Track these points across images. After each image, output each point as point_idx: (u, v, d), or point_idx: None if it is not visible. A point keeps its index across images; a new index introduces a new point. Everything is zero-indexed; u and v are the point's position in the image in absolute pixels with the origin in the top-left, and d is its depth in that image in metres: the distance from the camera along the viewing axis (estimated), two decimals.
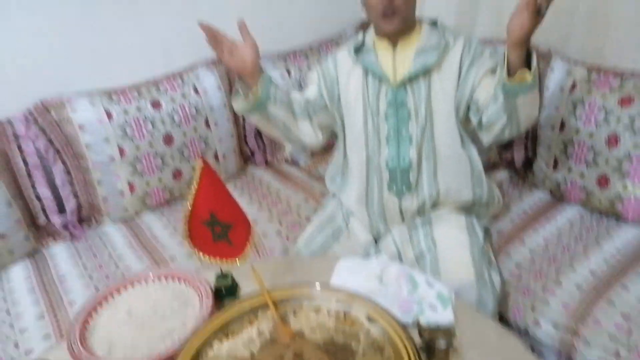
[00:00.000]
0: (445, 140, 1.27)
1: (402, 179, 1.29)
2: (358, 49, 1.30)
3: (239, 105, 1.27)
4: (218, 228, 1.00)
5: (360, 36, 1.33)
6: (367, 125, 1.30)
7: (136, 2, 1.67)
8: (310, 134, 1.37)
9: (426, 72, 1.23)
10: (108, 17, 1.63)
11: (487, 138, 1.26)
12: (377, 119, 1.28)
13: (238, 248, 1.03)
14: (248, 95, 1.23)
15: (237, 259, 1.02)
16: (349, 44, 1.34)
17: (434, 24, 1.28)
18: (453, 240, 1.25)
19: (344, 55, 1.34)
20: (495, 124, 1.19)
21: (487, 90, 1.18)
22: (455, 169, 1.29)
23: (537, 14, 1.01)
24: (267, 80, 1.23)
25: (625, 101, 1.39)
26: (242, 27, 1.19)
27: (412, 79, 1.23)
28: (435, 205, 1.32)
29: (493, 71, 1.18)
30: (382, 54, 1.27)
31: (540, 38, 1.67)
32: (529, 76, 1.06)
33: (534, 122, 1.20)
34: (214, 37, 1.17)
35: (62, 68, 1.59)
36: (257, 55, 1.20)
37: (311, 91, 1.37)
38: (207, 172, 0.97)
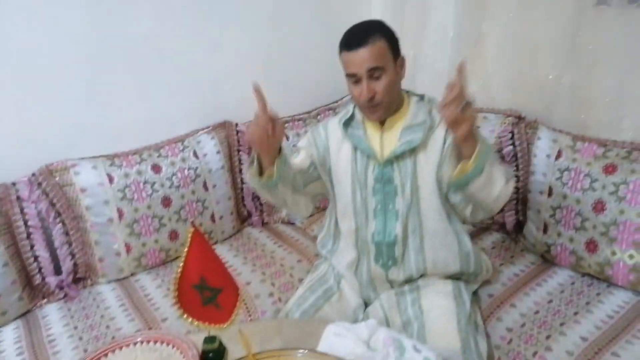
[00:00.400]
0: (432, 216, 1.29)
1: (388, 253, 1.31)
2: (347, 122, 1.34)
3: (250, 177, 1.27)
4: (207, 292, 1.02)
5: (350, 108, 1.36)
6: (355, 197, 1.33)
7: (141, 77, 1.77)
8: (304, 206, 1.40)
9: (412, 150, 1.26)
10: (114, 91, 1.73)
11: (466, 219, 1.31)
12: (365, 193, 1.31)
13: (226, 313, 1.04)
14: (261, 171, 1.23)
15: (225, 323, 1.04)
16: (340, 114, 1.38)
17: (421, 98, 1.32)
18: (440, 308, 1.25)
19: (334, 125, 1.37)
20: (464, 209, 1.26)
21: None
22: (441, 243, 1.31)
23: (463, 110, 1.04)
24: (283, 162, 1.22)
25: (609, 169, 1.43)
26: (257, 90, 1.17)
27: (398, 156, 1.27)
28: (422, 276, 1.34)
29: None
30: (371, 131, 1.31)
31: (527, 109, 1.77)
32: (470, 165, 1.10)
33: (505, 199, 1.19)
34: (262, 102, 1.17)
35: (68, 136, 1.66)
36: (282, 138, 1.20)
37: (304, 161, 1.37)
38: (197, 238, 0.99)
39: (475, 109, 1.08)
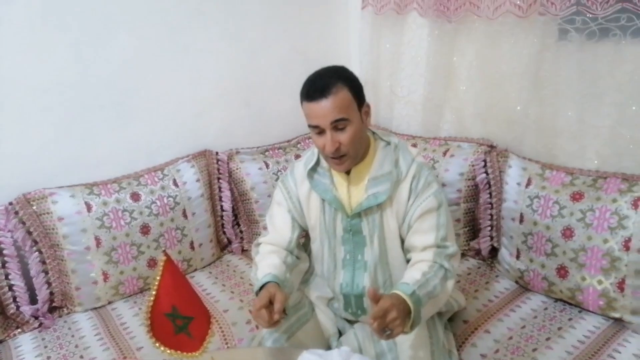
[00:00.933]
0: (399, 266, 1.28)
1: (356, 304, 1.31)
2: (314, 167, 1.30)
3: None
4: (179, 321, 1.03)
5: (315, 152, 1.31)
6: (323, 246, 1.32)
7: (121, 107, 1.80)
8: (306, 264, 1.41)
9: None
10: (94, 120, 1.75)
11: None
12: (334, 242, 1.30)
13: (198, 341, 1.05)
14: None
15: (196, 352, 1.04)
16: (305, 157, 1.35)
17: (387, 144, 1.27)
18: (413, 340, 1.25)
19: (300, 172, 1.33)
20: None
21: (415, 239, 1.22)
22: None
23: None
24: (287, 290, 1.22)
25: (577, 196, 1.48)
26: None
27: (365, 209, 1.24)
28: None
29: (430, 211, 1.21)
30: (337, 179, 1.28)
31: (498, 139, 1.83)
32: (408, 330, 1.08)
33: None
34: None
35: (47, 165, 1.68)
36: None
37: (286, 220, 1.35)
38: (169, 266, 1.01)
39: (395, 331, 1.03)
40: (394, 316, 1.01)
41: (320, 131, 1.17)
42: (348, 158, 1.20)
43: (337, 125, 1.15)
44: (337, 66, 1.22)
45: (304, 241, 1.46)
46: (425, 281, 1.13)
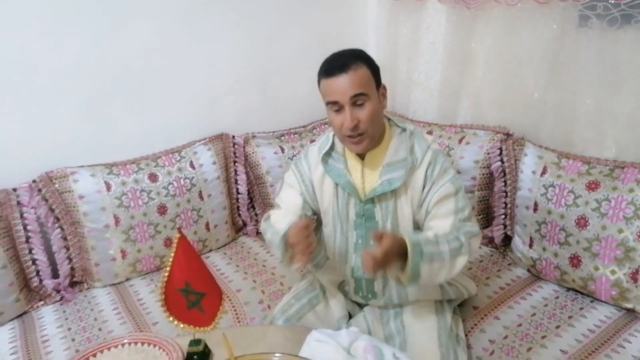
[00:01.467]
0: None
1: (367, 288, 1.33)
2: (328, 152, 1.29)
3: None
4: (192, 296, 1.06)
5: (330, 136, 1.31)
6: (336, 230, 1.32)
7: (140, 91, 1.84)
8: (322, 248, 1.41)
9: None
10: (114, 103, 1.79)
11: None
12: (346, 227, 1.30)
13: (209, 316, 1.08)
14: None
15: (208, 327, 1.08)
16: (319, 142, 1.34)
17: (403, 130, 1.27)
18: (421, 324, 1.27)
19: (315, 156, 1.32)
20: None
21: (433, 223, 1.21)
22: None
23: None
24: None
25: (592, 186, 1.47)
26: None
27: (379, 195, 1.24)
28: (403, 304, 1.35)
29: (448, 197, 1.21)
30: (352, 163, 1.28)
31: (515, 126, 1.81)
32: (402, 278, 1.11)
33: (458, 272, 1.17)
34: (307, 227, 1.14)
35: (68, 145, 1.73)
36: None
37: (296, 201, 1.34)
38: (183, 243, 1.04)
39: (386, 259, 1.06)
40: (388, 244, 1.04)
41: (339, 108, 1.17)
42: (366, 137, 1.19)
43: (357, 100, 1.15)
44: (355, 48, 1.22)
45: (315, 226, 1.46)
46: (435, 241, 1.13)
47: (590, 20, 1.49)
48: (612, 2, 1.43)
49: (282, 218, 1.29)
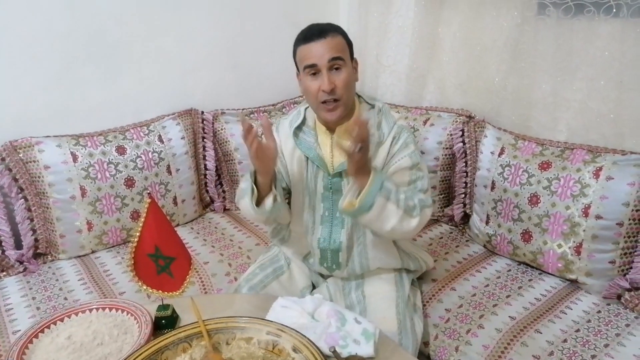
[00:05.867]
0: None
1: (332, 259, 1.38)
2: (299, 126, 1.33)
3: (246, 206, 1.26)
4: (161, 261, 1.09)
5: (302, 110, 1.35)
6: (304, 202, 1.36)
7: (110, 61, 1.82)
8: (287, 215, 1.41)
9: None
10: (83, 72, 1.77)
11: None
12: (314, 199, 1.35)
13: (178, 281, 1.11)
14: (259, 202, 1.24)
15: (177, 291, 1.10)
16: (290, 116, 1.37)
17: (372, 107, 1.31)
18: (381, 294, 1.34)
19: (285, 129, 1.35)
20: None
21: None
22: (383, 249, 1.36)
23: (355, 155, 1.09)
24: (279, 193, 1.24)
25: (544, 166, 1.56)
26: (267, 127, 1.17)
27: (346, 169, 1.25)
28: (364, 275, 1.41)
29: (403, 170, 1.26)
30: (322, 139, 1.31)
31: (477, 109, 1.89)
32: (356, 202, 1.14)
33: (405, 233, 1.23)
34: (248, 131, 1.14)
35: (35, 114, 1.70)
36: (277, 159, 1.20)
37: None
38: (153, 209, 1.06)
39: (365, 154, 1.11)
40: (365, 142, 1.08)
41: (316, 72, 1.21)
42: (341, 104, 1.22)
43: (334, 64, 1.19)
44: (331, 22, 1.28)
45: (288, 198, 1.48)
46: (396, 187, 1.18)
47: (548, 8, 1.57)
48: None
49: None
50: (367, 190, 1.14)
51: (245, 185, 1.26)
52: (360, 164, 1.13)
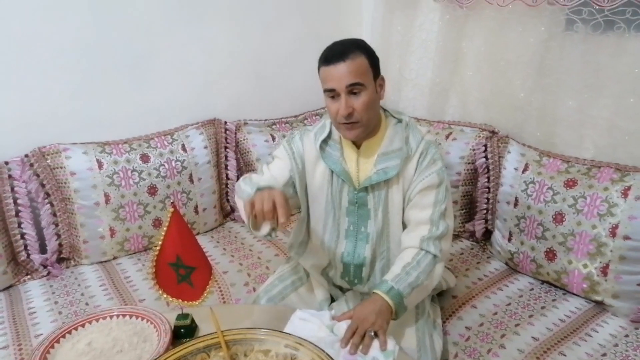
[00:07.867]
0: (398, 240, 1.31)
1: (355, 273, 1.37)
2: (325, 140, 1.30)
3: (240, 209, 1.24)
4: (182, 270, 1.10)
5: (327, 124, 1.32)
6: (328, 217, 1.34)
7: (136, 71, 1.86)
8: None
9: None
10: (109, 82, 1.81)
11: None
12: (338, 213, 1.33)
13: (198, 291, 1.12)
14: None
15: (197, 301, 1.11)
16: (315, 128, 1.34)
17: (399, 121, 1.29)
18: None
19: (310, 141, 1.33)
20: None
21: (411, 213, 1.27)
22: None
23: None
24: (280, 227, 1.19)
25: (570, 183, 1.53)
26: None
27: (372, 184, 1.26)
28: None
29: (431, 188, 1.25)
30: (347, 153, 1.29)
31: (500, 124, 1.87)
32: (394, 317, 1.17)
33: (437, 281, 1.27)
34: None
35: (62, 122, 1.74)
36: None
37: (283, 173, 1.32)
38: (176, 218, 1.07)
39: (380, 331, 1.10)
40: (371, 322, 1.10)
41: (335, 95, 1.19)
42: (360, 126, 1.21)
43: (352, 89, 1.17)
44: (356, 38, 1.25)
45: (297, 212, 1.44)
46: (405, 274, 1.20)
47: (576, 24, 1.55)
48: (596, 7, 1.49)
49: (265, 179, 1.28)
50: (395, 310, 1.16)
51: (246, 191, 1.21)
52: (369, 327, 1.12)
